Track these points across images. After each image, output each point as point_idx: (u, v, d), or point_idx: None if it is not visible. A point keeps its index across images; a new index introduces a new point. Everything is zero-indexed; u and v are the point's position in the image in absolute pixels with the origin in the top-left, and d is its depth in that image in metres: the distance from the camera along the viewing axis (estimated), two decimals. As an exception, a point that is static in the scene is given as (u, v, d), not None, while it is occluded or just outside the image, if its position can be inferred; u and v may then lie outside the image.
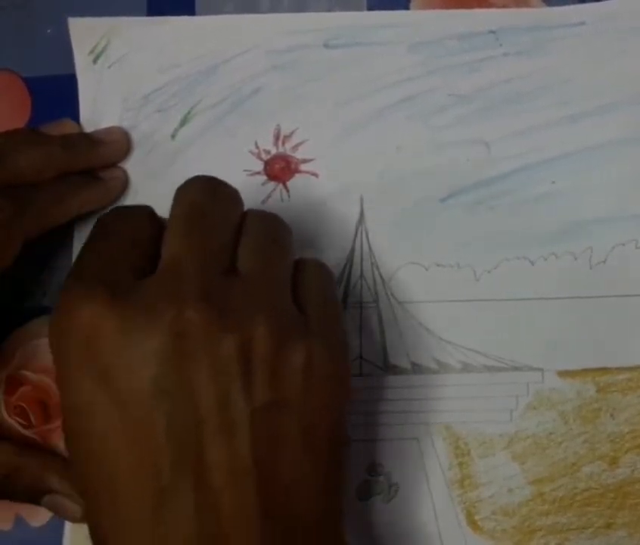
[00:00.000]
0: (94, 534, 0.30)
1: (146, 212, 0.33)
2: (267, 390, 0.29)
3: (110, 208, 0.33)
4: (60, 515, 0.38)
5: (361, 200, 0.39)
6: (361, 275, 0.39)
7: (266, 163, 0.40)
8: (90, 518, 0.30)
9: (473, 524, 0.37)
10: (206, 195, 0.32)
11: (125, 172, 0.40)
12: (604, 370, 0.37)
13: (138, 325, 0.28)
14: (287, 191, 0.40)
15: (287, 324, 0.30)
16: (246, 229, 0.32)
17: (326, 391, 0.30)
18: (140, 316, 0.28)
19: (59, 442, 0.39)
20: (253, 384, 0.28)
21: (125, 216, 0.32)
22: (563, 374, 0.37)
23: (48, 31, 0.42)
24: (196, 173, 0.40)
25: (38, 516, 0.39)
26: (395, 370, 0.38)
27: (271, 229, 0.33)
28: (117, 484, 0.28)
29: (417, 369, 0.38)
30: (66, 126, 0.40)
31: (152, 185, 0.40)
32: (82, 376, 0.28)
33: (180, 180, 0.40)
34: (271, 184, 0.40)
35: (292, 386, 0.29)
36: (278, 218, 0.33)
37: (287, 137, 0.40)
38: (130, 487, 0.28)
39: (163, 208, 0.40)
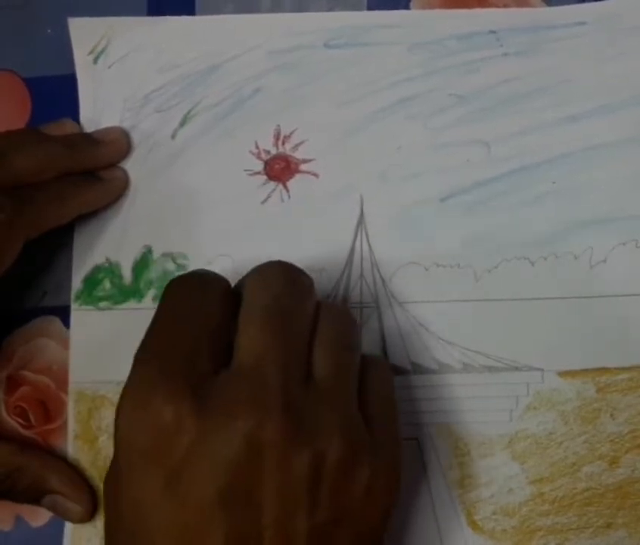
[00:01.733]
0: None
1: (224, 286, 0.31)
2: (329, 509, 0.28)
3: (189, 272, 0.32)
4: (60, 516, 0.38)
5: (361, 200, 0.39)
6: (361, 275, 0.39)
7: (266, 163, 0.40)
8: None
9: (473, 524, 0.37)
10: (285, 286, 0.31)
11: (125, 172, 0.40)
12: (604, 370, 0.37)
13: (215, 431, 0.27)
14: (287, 191, 0.40)
15: (357, 444, 0.29)
16: (321, 325, 0.31)
17: (380, 507, 0.30)
18: (219, 421, 0.27)
19: (59, 442, 0.39)
20: (317, 502, 0.28)
21: (204, 288, 0.31)
22: (563, 374, 0.37)
23: (48, 31, 0.42)
24: (196, 173, 0.40)
25: (38, 516, 0.39)
26: (395, 370, 0.38)
27: (344, 329, 0.32)
28: None
29: (417, 369, 0.38)
30: (66, 126, 0.40)
31: (152, 185, 0.40)
32: (151, 473, 0.28)
33: (180, 180, 0.40)
34: (271, 184, 0.40)
35: (352, 504, 0.29)
36: (348, 312, 0.33)
37: (287, 137, 0.40)
38: None
39: (163, 208, 0.40)
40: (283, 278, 0.31)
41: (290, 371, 0.29)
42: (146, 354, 0.30)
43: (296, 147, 0.40)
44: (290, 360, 0.29)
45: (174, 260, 0.39)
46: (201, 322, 0.30)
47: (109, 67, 0.41)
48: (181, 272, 0.39)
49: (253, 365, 0.29)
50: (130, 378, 0.29)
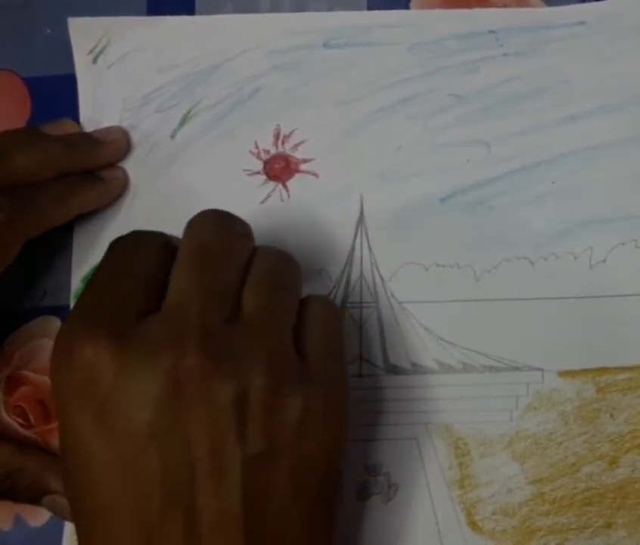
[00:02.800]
0: None
1: (160, 242, 0.32)
2: (259, 441, 0.29)
3: (128, 232, 0.33)
4: (60, 516, 0.38)
5: (361, 200, 0.39)
6: (361, 275, 0.39)
7: (266, 163, 0.40)
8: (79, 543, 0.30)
9: (473, 524, 0.37)
10: (216, 232, 0.32)
11: (125, 172, 0.40)
12: (604, 370, 0.37)
13: (136, 369, 0.28)
14: (287, 191, 0.40)
15: (285, 374, 0.30)
16: (254, 269, 0.32)
17: (320, 439, 0.30)
18: (139, 359, 0.28)
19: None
20: (246, 434, 0.28)
21: (139, 244, 0.32)
22: (564, 374, 0.37)
23: (48, 31, 0.42)
24: (195, 173, 0.40)
25: (38, 516, 0.39)
26: (395, 370, 0.38)
27: (280, 270, 0.33)
28: (107, 522, 0.29)
29: (417, 369, 0.38)
30: (66, 126, 0.40)
31: (152, 185, 0.40)
32: (80, 414, 0.29)
33: (180, 180, 0.40)
34: (271, 184, 0.40)
35: (285, 436, 0.29)
36: (287, 256, 0.33)
37: (287, 137, 0.40)
38: (120, 526, 0.28)
39: (162, 208, 0.40)
40: (213, 225, 0.32)
41: (213, 308, 0.30)
42: (74, 308, 0.31)
43: (295, 147, 0.40)
44: (214, 302, 0.30)
45: (174, 260, 0.39)
46: (132, 274, 0.31)
47: (108, 67, 0.41)
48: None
49: (176, 305, 0.30)
50: (59, 330, 0.30)
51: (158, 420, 0.28)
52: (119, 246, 0.32)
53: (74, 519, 0.30)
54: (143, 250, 0.32)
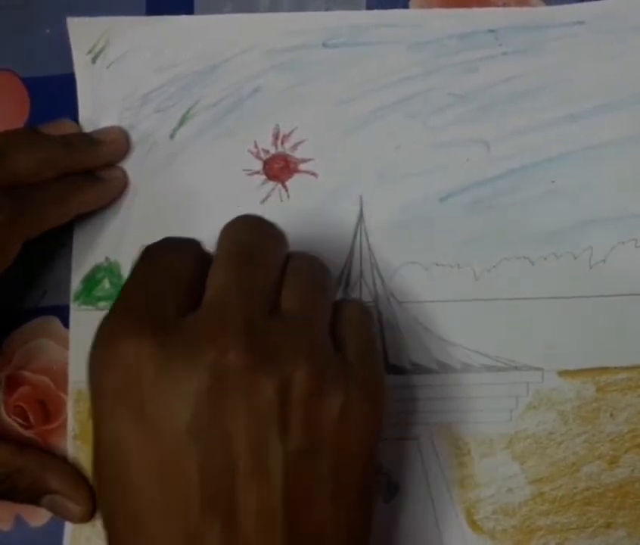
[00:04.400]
0: None
1: (194, 247, 0.32)
2: (302, 436, 0.28)
3: (160, 239, 0.33)
4: (60, 516, 0.38)
5: (361, 200, 0.39)
6: (361, 275, 0.39)
7: (265, 163, 0.40)
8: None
9: (473, 524, 0.37)
10: (253, 235, 0.32)
11: (124, 172, 0.40)
12: (604, 370, 0.37)
13: (178, 365, 0.28)
14: (286, 190, 0.40)
15: (325, 366, 0.29)
16: (290, 271, 0.32)
17: (359, 434, 0.30)
18: (181, 355, 0.28)
19: (59, 442, 0.39)
20: (288, 429, 0.28)
21: (173, 249, 0.32)
22: (563, 374, 0.37)
23: (48, 31, 0.42)
24: (195, 173, 0.40)
25: (38, 516, 0.39)
26: (395, 370, 0.38)
27: (314, 271, 0.33)
28: (143, 522, 0.28)
29: (417, 369, 0.38)
30: (65, 126, 0.40)
31: (151, 185, 0.40)
32: (119, 410, 0.28)
33: (179, 180, 0.40)
34: (271, 183, 0.40)
35: (327, 430, 0.29)
36: (319, 260, 0.33)
37: (286, 136, 0.40)
38: (157, 526, 0.28)
39: (162, 208, 0.40)
40: (250, 227, 0.32)
41: (253, 302, 0.29)
42: (111, 309, 0.30)
43: (295, 146, 0.40)
44: (253, 294, 0.30)
45: (173, 260, 0.39)
46: (169, 274, 0.31)
47: (108, 67, 0.41)
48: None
49: (216, 301, 0.29)
50: (97, 329, 0.30)
51: (199, 417, 0.28)
52: (154, 249, 0.32)
53: (106, 518, 0.30)
54: (178, 253, 0.32)
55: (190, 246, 0.32)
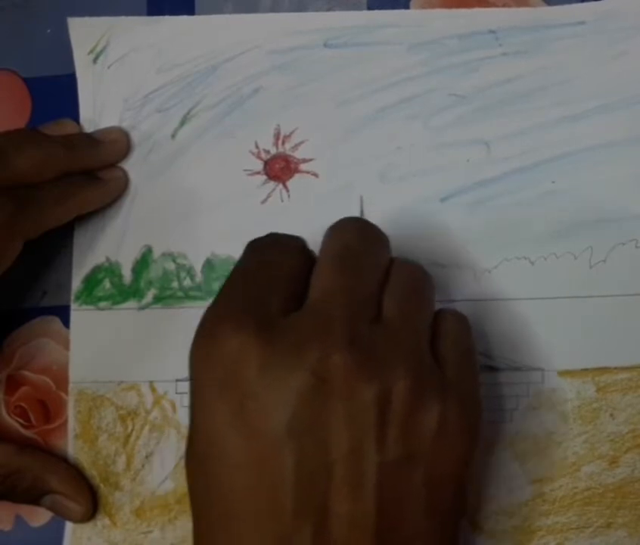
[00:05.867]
0: None
1: (300, 245, 0.33)
2: (399, 445, 0.28)
3: (266, 233, 0.33)
4: (60, 515, 0.38)
5: (361, 200, 0.39)
6: (362, 275, 0.38)
7: (266, 163, 0.40)
8: (198, 541, 0.30)
9: (473, 524, 0.37)
10: (357, 236, 0.32)
11: (125, 172, 0.40)
12: (604, 370, 0.37)
13: (281, 364, 0.28)
14: (287, 191, 0.40)
15: (425, 378, 0.29)
16: (392, 277, 0.32)
17: (455, 449, 0.30)
18: (284, 354, 0.28)
19: (59, 442, 0.39)
20: (386, 437, 0.28)
21: (279, 246, 0.32)
22: (563, 374, 0.37)
23: (48, 31, 0.42)
24: (196, 173, 0.40)
25: (38, 516, 0.39)
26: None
27: (416, 279, 0.33)
28: (235, 519, 0.28)
29: (417, 368, 0.38)
30: (66, 126, 0.40)
31: (152, 185, 0.40)
32: (220, 404, 0.28)
33: (180, 180, 0.40)
34: (271, 184, 0.40)
35: (423, 442, 0.29)
36: (422, 269, 0.33)
37: (287, 137, 0.40)
38: (248, 525, 0.28)
39: (162, 208, 0.40)
40: (356, 230, 0.32)
41: (357, 308, 0.29)
42: (216, 301, 0.30)
43: (296, 146, 0.40)
44: (358, 299, 0.30)
45: (174, 260, 0.39)
46: (273, 271, 0.31)
47: (109, 67, 0.41)
48: (181, 272, 0.39)
49: (321, 303, 0.29)
50: (201, 319, 0.30)
51: (298, 418, 0.27)
52: (258, 245, 0.32)
53: (196, 512, 0.30)
54: (283, 250, 0.32)
55: (295, 243, 0.33)
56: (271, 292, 0.30)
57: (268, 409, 0.28)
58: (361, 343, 0.28)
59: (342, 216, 0.39)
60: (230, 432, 0.28)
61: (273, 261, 0.31)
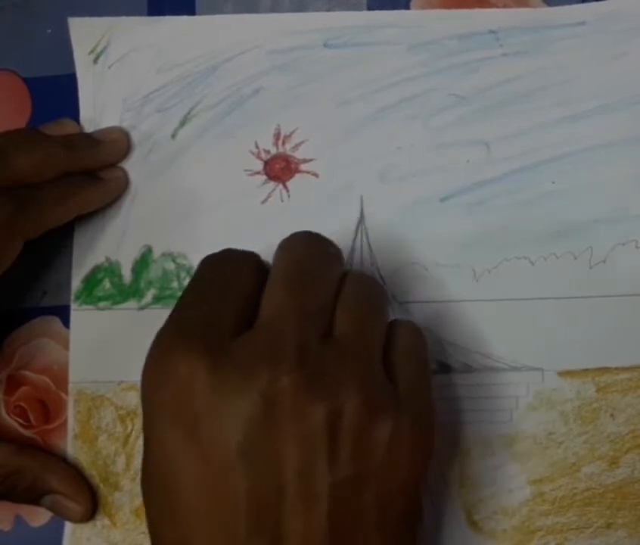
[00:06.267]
0: None
1: (255, 261, 0.32)
2: (350, 464, 0.28)
3: (221, 249, 0.33)
4: (60, 515, 0.38)
5: (361, 200, 0.39)
6: (362, 275, 0.38)
7: (266, 163, 0.40)
8: None
9: (473, 524, 0.37)
10: (309, 252, 0.32)
11: (125, 172, 0.40)
12: (604, 370, 0.37)
13: (231, 387, 0.28)
14: (287, 191, 0.40)
15: (377, 396, 0.29)
16: (345, 291, 0.32)
17: (407, 465, 0.30)
18: (234, 376, 0.28)
19: (59, 442, 0.39)
20: (337, 456, 0.28)
21: (233, 263, 0.32)
22: (564, 374, 0.37)
23: (48, 31, 0.42)
24: (196, 173, 0.40)
25: (38, 516, 0.39)
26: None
27: (368, 293, 0.32)
28: (190, 541, 0.28)
29: (417, 368, 0.38)
30: (66, 126, 0.40)
31: (152, 185, 0.40)
32: (171, 428, 0.28)
33: (180, 180, 0.40)
34: (271, 184, 0.40)
35: (375, 460, 0.29)
36: (375, 281, 0.34)
37: (287, 137, 0.40)
38: None
39: (162, 208, 0.40)
40: (306, 245, 0.32)
41: (308, 327, 0.29)
42: (167, 322, 0.30)
43: (296, 147, 0.40)
44: (308, 317, 0.30)
45: (174, 260, 0.39)
46: (225, 289, 0.31)
47: (109, 67, 0.41)
48: (181, 272, 0.39)
49: (271, 322, 0.29)
50: (153, 341, 0.30)
51: (250, 440, 0.28)
52: (212, 262, 0.32)
53: (153, 534, 0.30)
54: (236, 268, 0.32)
55: (250, 259, 0.32)
56: (223, 311, 0.30)
57: (219, 433, 0.28)
58: (311, 363, 0.28)
59: (341, 217, 0.39)
60: (182, 456, 0.28)
61: (226, 278, 0.31)
